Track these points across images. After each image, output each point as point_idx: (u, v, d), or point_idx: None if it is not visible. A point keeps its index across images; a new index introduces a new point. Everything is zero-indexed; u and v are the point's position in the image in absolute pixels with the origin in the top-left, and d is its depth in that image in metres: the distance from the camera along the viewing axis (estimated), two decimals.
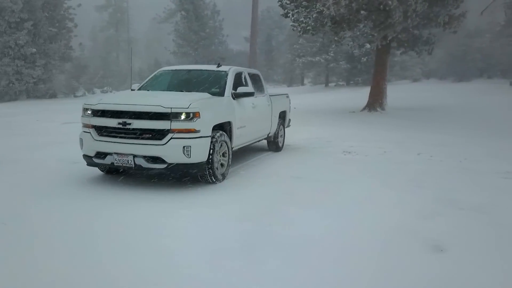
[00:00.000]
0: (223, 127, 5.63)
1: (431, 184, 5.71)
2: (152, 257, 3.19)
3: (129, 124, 4.90)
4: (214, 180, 5.35)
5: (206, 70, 6.63)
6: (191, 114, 4.89)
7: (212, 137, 5.20)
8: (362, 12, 13.48)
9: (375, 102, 16.49)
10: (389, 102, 16.91)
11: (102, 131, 5.12)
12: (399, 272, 3.00)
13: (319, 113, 16.27)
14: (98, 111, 5.13)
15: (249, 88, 6.23)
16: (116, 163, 5.01)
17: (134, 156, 4.91)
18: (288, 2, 17.59)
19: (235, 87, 6.18)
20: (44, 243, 3.48)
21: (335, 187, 5.41)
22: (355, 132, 11.46)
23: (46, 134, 10.41)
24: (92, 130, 5.19)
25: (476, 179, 6.12)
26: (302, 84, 42.67)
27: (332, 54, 33.21)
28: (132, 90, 6.74)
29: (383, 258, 3.25)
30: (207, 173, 5.19)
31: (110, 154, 5.03)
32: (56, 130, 11.47)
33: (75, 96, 31.56)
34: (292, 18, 17.11)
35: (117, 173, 5.85)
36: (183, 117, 4.86)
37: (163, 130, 4.86)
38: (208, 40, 40.02)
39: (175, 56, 42.68)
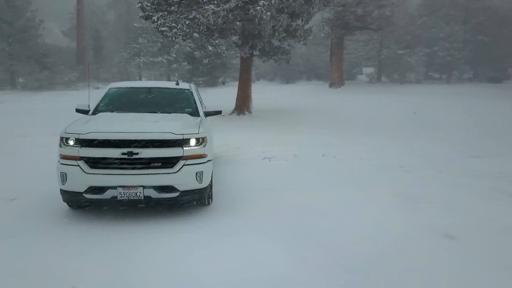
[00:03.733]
0: None
1: (373, 182, 6.99)
2: None
3: (136, 153, 4.53)
4: (210, 202, 5.39)
5: (168, 88, 6.37)
6: (201, 139, 4.86)
7: None
8: (237, 23, 14.37)
9: (243, 105, 17.74)
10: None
11: (97, 163, 4.56)
12: (438, 253, 3.97)
13: None
14: (90, 140, 4.54)
15: (218, 108, 6.34)
16: (121, 197, 4.55)
17: (144, 187, 4.58)
18: (148, 4, 17.22)
19: None
20: None
21: (312, 194, 6.11)
22: (248, 137, 12.30)
23: None
24: (81, 163, 4.55)
25: (392, 173, 7.73)
26: None
27: (174, 55, 33.35)
28: (78, 109, 5.98)
29: (425, 247, 4.16)
30: (207, 196, 5.20)
31: (112, 188, 4.54)
32: None
33: None
34: (157, 22, 16.77)
35: (84, 207, 5.19)
36: (193, 143, 4.78)
37: (174, 157, 4.68)
38: (27, 34, 34.77)
39: None
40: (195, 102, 6.12)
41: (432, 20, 35.25)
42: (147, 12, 17.53)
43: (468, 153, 10.18)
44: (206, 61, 33.50)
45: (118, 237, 4.32)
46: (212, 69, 34.68)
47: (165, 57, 33.30)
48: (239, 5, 14.45)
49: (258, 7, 13.69)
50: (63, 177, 4.59)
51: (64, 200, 4.85)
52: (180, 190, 4.71)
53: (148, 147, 4.56)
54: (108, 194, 4.56)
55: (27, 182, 6.37)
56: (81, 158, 4.55)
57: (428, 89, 30.15)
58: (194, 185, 4.79)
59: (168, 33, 15.71)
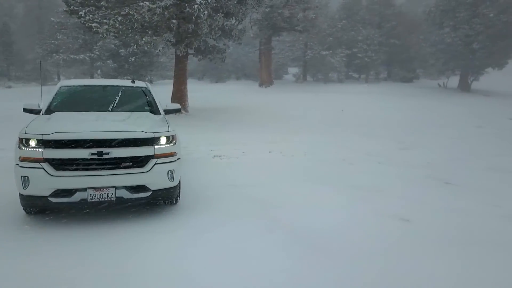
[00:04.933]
0: None
1: (323, 175, 7.43)
2: None
3: (107, 153, 4.38)
4: (178, 200, 5.37)
5: (124, 86, 6.15)
6: (171, 138, 4.83)
7: None
8: (173, 21, 14.16)
9: (179, 104, 17.46)
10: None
11: (63, 164, 4.32)
12: (387, 233, 4.43)
13: None
14: (56, 141, 4.29)
15: (176, 105, 6.30)
16: (91, 199, 4.36)
17: (116, 188, 4.45)
18: None
19: None
20: None
21: (272, 188, 6.33)
22: (190, 136, 12.12)
23: None
24: (45, 165, 4.28)
25: (337, 167, 8.25)
26: None
27: (97, 52, 31.65)
28: (26, 109, 5.57)
29: (388, 230, 4.60)
30: (176, 194, 5.17)
31: (82, 190, 4.34)
32: None
33: None
34: (85, 18, 15.87)
35: (42, 212, 4.87)
36: (164, 141, 4.74)
37: (146, 156, 4.60)
38: None
39: None
40: (154, 100, 6.03)
41: (351, 23, 37.65)
42: (72, 7, 16.55)
43: (398, 146, 11.18)
44: (133, 59, 32.33)
45: (91, 242, 4.15)
46: (138, 67, 33.54)
47: (88, 54, 31.47)
48: (174, 3, 14.24)
49: (196, 6, 13.63)
50: (25, 181, 4.28)
51: (24, 206, 4.52)
52: (152, 189, 4.64)
53: (118, 146, 4.43)
54: (77, 197, 4.35)
55: None
56: (45, 160, 4.29)
57: (350, 88, 32.18)
58: (165, 184, 4.75)
59: (99, 30, 14.93)
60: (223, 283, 3.38)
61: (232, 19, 17.38)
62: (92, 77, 34.21)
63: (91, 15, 15.74)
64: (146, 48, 17.55)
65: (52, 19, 32.69)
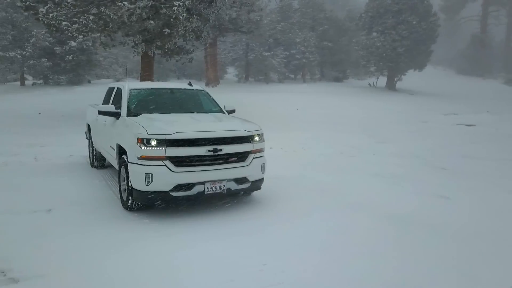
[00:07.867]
0: None
1: (341, 166, 8.41)
2: None
3: (220, 150, 4.88)
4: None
5: (186, 89, 6.55)
6: (261, 136, 5.45)
7: None
8: (151, 22, 14.20)
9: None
10: None
11: (182, 161, 4.73)
12: (444, 207, 5.57)
13: None
14: (177, 140, 4.68)
15: (232, 107, 6.81)
16: (208, 191, 4.85)
17: (227, 180, 4.97)
18: None
19: None
20: None
21: (311, 179, 7.16)
22: None
23: None
24: (167, 162, 4.66)
25: (343, 159, 9.29)
26: None
27: (29, 50, 29.46)
28: (102, 111, 5.72)
29: (437, 205, 5.70)
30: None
31: (200, 183, 4.79)
32: None
33: None
34: (48, 15, 15.11)
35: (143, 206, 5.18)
36: (257, 138, 5.34)
37: (247, 152, 5.17)
38: None
39: None
40: (216, 103, 6.53)
41: (288, 26, 39.49)
42: (27, 2, 15.69)
43: (373, 140, 12.59)
44: (70, 58, 30.67)
45: (213, 231, 4.63)
46: (76, 66, 31.89)
47: (19, 51, 29.16)
48: (152, 4, 14.26)
49: (175, 8, 13.82)
50: (148, 177, 4.63)
51: (141, 201, 4.83)
52: (250, 181, 5.24)
53: (229, 143, 4.97)
54: (195, 190, 4.80)
55: (37, 193, 5.78)
56: (167, 158, 4.67)
57: (292, 88, 33.86)
58: (259, 175, 5.39)
59: (69, 28, 14.37)
60: (352, 250, 4.17)
61: (198, 20, 17.71)
62: (22, 76, 31.80)
63: (54, 13, 15.05)
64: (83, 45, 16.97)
65: None
